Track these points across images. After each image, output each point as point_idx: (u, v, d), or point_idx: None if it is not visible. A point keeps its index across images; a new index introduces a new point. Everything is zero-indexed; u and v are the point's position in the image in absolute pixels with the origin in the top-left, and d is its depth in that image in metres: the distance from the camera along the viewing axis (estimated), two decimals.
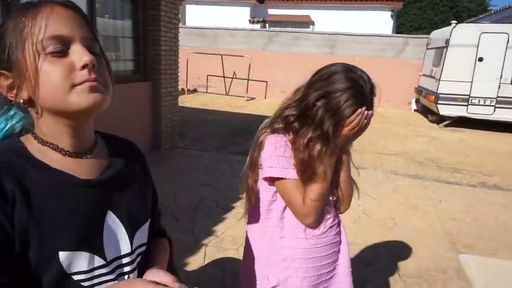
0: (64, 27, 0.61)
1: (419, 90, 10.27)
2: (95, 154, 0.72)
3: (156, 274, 0.68)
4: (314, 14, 15.92)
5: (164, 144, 5.35)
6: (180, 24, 6.09)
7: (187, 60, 11.22)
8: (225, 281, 2.51)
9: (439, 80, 8.66)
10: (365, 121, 1.10)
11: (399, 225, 3.54)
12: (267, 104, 11.37)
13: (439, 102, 8.61)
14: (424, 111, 10.47)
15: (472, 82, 8.46)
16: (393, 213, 3.78)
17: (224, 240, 3.03)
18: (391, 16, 15.45)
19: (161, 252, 0.87)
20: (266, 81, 12.49)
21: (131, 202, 0.75)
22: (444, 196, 4.39)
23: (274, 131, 1.21)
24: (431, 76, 9.40)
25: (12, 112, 0.69)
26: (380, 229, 3.38)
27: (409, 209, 3.95)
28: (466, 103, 8.54)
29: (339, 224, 1.32)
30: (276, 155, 1.17)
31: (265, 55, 12.41)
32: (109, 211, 0.70)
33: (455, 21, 9.05)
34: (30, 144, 0.66)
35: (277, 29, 13.52)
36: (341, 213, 1.33)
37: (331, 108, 1.10)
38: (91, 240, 0.66)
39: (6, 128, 0.68)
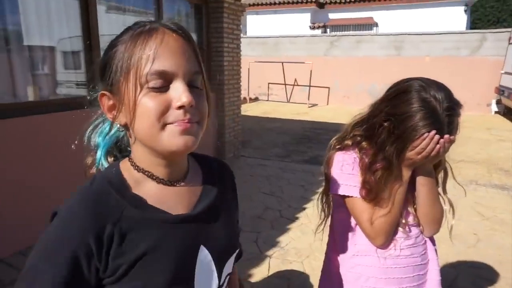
0: (170, 61, 0.60)
1: (501, 90, 9.29)
2: (189, 180, 0.72)
3: None
4: (377, 15, 15.28)
5: (227, 153, 5.44)
6: (242, 34, 6.20)
7: (249, 69, 11.41)
8: None
9: None
10: (438, 146, 0.99)
11: (483, 241, 3.17)
12: (329, 110, 11.12)
13: None
14: (508, 112, 9.44)
15: None
16: (475, 228, 3.41)
17: (289, 252, 2.95)
18: (465, 10, 14.23)
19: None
20: (329, 87, 12.23)
21: (223, 232, 0.74)
22: None
23: (343, 148, 1.18)
24: None
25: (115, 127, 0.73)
26: (461, 246, 3.05)
27: (495, 224, 3.52)
28: None
29: (425, 244, 1.20)
30: (343, 172, 1.14)
31: (327, 60, 12.16)
32: (201, 246, 0.69)
33: None
34: (128, 172, 0.67)
35: (338, 33, 13.19)
36: (426, 237, 1.20)
37: (396, 131, 1.02)
38: (185, 278, 0.66)
39: (112, 133, 0.73)
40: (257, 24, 16.20)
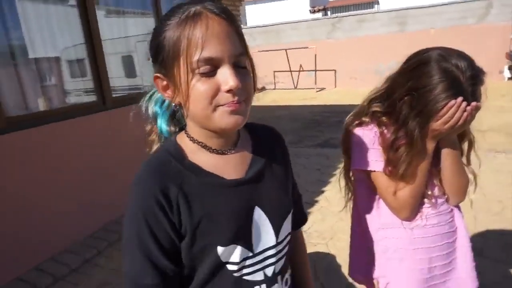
0: (216, 47, 0.64)
1: None
2: (240, 149, 0.78)
3: None
4: None
5: None
6: (242, 25, 6.16)
7: (252, 59, 11.36)
8: (319, 278, 2.43)
9: None
10: (465, 114, 0.95)
11: (508, 208, 3.12)
12: (337, 93, 11.02)
13: None
14: None
15: None
16: (499, 195, 3.35)
17: (312, 235, 2.95)
18: None
19: (301, 257, 0.97)
20: (335, 70, 12.10)
21: (275, 194, 0.80)
22: None
23: (360, 123, 1.16)
24: None
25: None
26: (486, 214, 3.01)
27: None
28: None
29: (451, 211, 1.18)
30: (364, 147, 1.12)
31: (330, 43, 12.02)
32: (256, 207, 0.76)
33: None
34: (184, 144, 0.75)
35: (339, 14, 13.00)
36: (451, 205, 1.18)
37: (417, 105, 0.98)
38: (243, 235, 0.73)
39: (166, 104, 0.80)
40: (256, 14, 16.08)
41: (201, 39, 0.63)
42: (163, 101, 0.81)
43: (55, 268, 2.69)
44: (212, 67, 0.65)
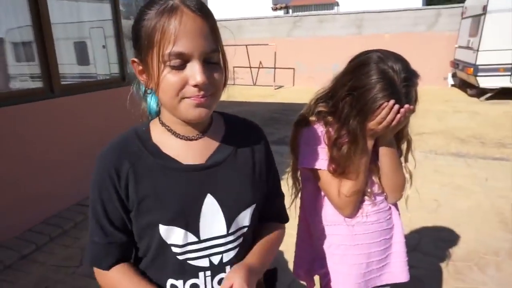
0: (188, 43, 0.67)
1: (456, 64, 9.72)
2: (207, 137, 0.81)
3: (232, 275, 0.75)
4: None
5: None
6: None
7: None
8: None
9: (477, 50, 8.14)
10: (399, 115, 1.01)
11: (443, 206, 3.38)
12: (295, 91, 11.22)
13: (479, 74, 8.10)
14: (463, 85, 9.91)
15: None
16: (436, 194, 3.61)
17: None
18: None
19: (262, 244, 0.89)
20: (293, 68, 12.30)
21: (235, 186, 0.81)
22: (491, 173, 4.14)
23: (308, 122, 1.19)
24: (468, 48, 8.86)
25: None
26: (423, 212, 3.23)
27: (453, 190, 3.75)
28: (510, 73, 7.97)
29: (389, 210, 1.26)
30: (310, 146, 1.16)
31: (290, 41, 12.19)
32: (208, 194, 0.78)
33: None
34: (154, 126, 0.81)
35: (300, 13, 13.21)
36: (390, 203, 1.25)
37: (357, 104, 1.03)
38: (187, 218, 0.76)
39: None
40: (217, 7, 15.90)
41: (174, 34, 0.66)
42: None
43: None
44: (182, 61, 0.68)
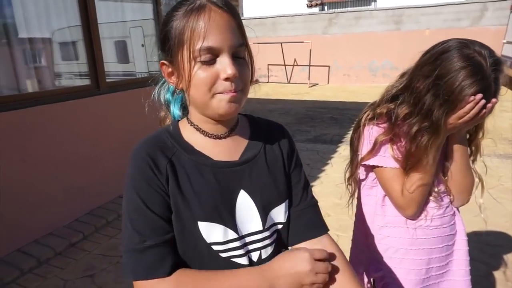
0: (217, 37, 0.69)
1: (504, 60, 9.21)
2: (235, 135, 0.82)
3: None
4: None
5: None
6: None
7: None
8: None
9: None
10: (484, 110, 0.94)
11: (490, 210, 3.21)
12: (330, 89, 11.06)
13: None
14: (510, 83, 9.37)
15: None
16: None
17: None
18: None
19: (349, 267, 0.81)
20: (329, 66, 12.13)
21: (266, 183, 0.81)
22: None
23: (375, 117, 1.14)
24: None
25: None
26: (468, 215, 3.08)
27: (501, 193, 3.56)
28: None
29: (454, 215, 1.19)
30: (376, 143, 1.11)
31: (326, 38, 12.02)
32: (241, 190, 0.78)
33: None
34: (184, 127, 0.81)
35: (337, 10, 12.99)
36: (456, 206, 1.20)
37: (443, 93, 0.95)
38: (224, 214, 0.75)
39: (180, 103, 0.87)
40: (253, 5, 15.95)
41: (204, 29, 0.68)
42: (175, 90, 0.85)
43: (40, 251, 2.70)
44: (212, 55, 0.69)
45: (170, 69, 0.76)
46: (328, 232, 0.86)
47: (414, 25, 10.94)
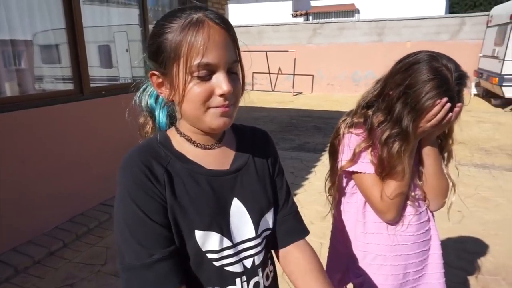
0: (215, 54, 0.69)
1: (479, 73, 9.53)
2: (223, 145, 0.83)
3: None
4: (359, 1, 15.36)
5: None
6: None
7: None
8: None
9: (503, 60, 7.97)
10: (450, 114, 1.01)
11: (467, 218, 3.31)
12: (314, 98, 11.20)
13: (504, 84, 7.93)
14: (486, 95, 9.70)
15: None
16: (459, 205, 3.53)
17: None
18: None
19: (319, 270, 0.86)
20: (313, 75, 12.29)
21: (257, 190, 0.83)
22: None
23: (353, 124, 1.18)
24: (493, 57, 8.68)
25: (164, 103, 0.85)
26: (446, 223, 3.16)
27: (478, 201, 3.67)
28: None
29: (429, 221, 1.23)
30: (355, 150, 1.14)
31: (310, 48, 12.20)
32: (234, 198, 0.80)
33: None
34: (174, 137, 0.81)
35: (321, 20, 13.22)
36: (432, 210, 1.24)
37: (410, 102, 1.02)
38: (221, 223, 0.76)
39: (166, 113, 0.86)
40: (239, 13, 16.06)
41: (203, 46, 0.68)
42: (158, 96, 0.85)
43: (17, 260, 2.62)
44: (208, 72, 0.70)
45: (160, 80, 0.75)
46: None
47: (396, 37, 11.24)
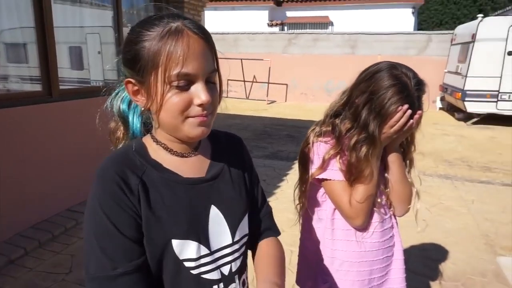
0: (194, 64, 0.69)
1: (444, 88, 10.00)
2: (199, 153, 0.83)
3: None
4: (333, 14, 15.77)
5: None
6: None
7: None
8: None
9: (466, 76, 8.41)
10: (411, 120, 1.08)
11: (431, 226, 3.44)
12: (287, 107, 11.34)
13: (466, 99, 8.35)
14: (450, 109, 10.17)
15: (501, 77, 8.17)
16: (424, 214, 3.68)
17: None
18: (412, 12, 15.08)
19: (277, 260, 0.88)
20: (287, 84, 12.45)
21: (232, 196, 0.84)
22: (477, 196, 4.25)
23: (322, 133, 1.22)
24: (456, 73, 9.14)
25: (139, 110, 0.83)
26: (411, 231, 3.29)
27: (441, 210, 3.84)
28: (496, 99, 8.25)
29: (392, 228, 1.28)
30: (324, 158, 1.18)
31: (285, 57, 12.38)
32: (212, 205, 0.80)
33: (481, 15, 8.74)
34: (150, 145, 0.80)
35: (296, 31, 13.47)
36: (398, 216, 1.29)
37: (375, 108, 1.08)
38: (198, 231, 0.76)
39: (140, 122, 0.84)
40: (215, 20, 16.07)
41: (182, 56, 0.67)
42: (131, 101, 0.82)
43: None
44: (187, 82, 0.70)
45: (136, 88, 0.74)
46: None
47: (368, 50, 11.61)
